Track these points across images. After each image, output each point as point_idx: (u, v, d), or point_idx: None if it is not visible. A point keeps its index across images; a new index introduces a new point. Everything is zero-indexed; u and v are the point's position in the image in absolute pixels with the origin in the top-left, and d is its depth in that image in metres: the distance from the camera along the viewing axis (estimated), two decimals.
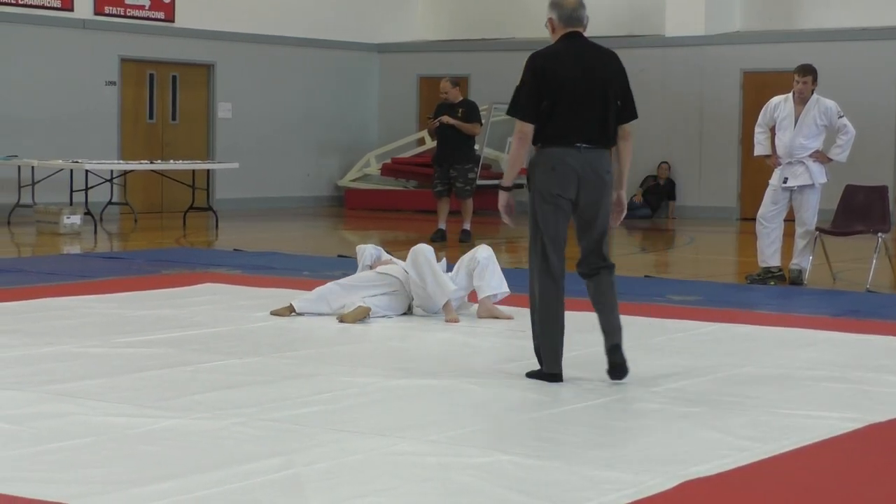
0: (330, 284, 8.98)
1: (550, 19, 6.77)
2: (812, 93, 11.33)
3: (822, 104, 11.35)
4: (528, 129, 6.62)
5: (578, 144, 6.62)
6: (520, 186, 7.32)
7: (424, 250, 8.75)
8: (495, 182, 15.19)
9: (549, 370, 6.70)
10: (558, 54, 6.71)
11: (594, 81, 6.66)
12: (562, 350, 6.71)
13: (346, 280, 9.00)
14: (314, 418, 5.76)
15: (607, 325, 6.74)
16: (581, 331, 7.48)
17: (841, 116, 11.36)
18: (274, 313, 8.82)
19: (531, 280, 6.75)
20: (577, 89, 6.62)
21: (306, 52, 21.86)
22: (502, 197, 6.78)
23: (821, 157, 11.37)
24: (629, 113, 6.77)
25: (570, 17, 6.74)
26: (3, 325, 8.22)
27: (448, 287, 8.69)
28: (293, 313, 8.80)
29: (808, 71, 11.30)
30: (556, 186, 6.61)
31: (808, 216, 11.38)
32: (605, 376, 6.76)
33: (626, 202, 6.85)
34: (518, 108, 6.68)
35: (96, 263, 12.52)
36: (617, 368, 6.71)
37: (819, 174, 11.33)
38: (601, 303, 6.74)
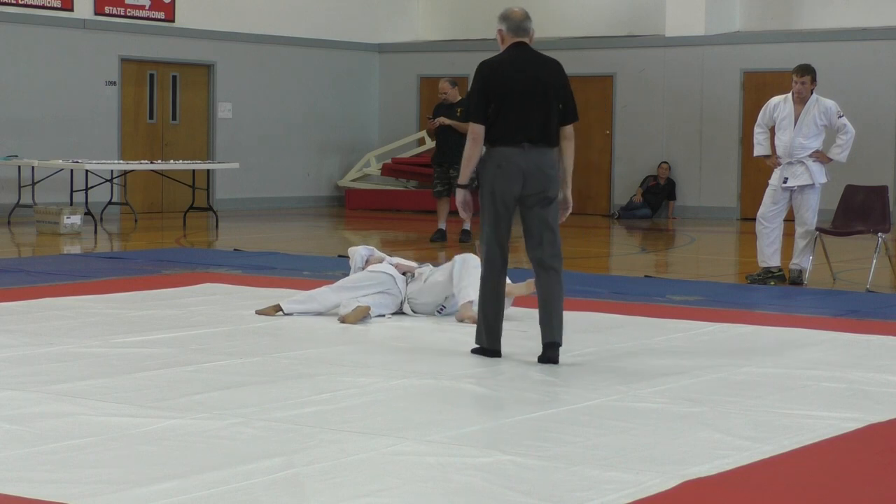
0: (320, 287, 8.99)
1: (500, 30, 7.42)
2: (811, 93, 11.33)
3: (822, 104, 11.34)
4: (479, 129, 7.21)
5: (523, 144, 7.19)
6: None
7: (475, 261, 8.64)
8: None
9: (489, 346, 7.31)
10: (504, 62, 7.34)
11: (537, 86, 7.26)
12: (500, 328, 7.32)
13: (337, 283, 9.02)
14: (314, 418, 5.76)
15: (546, 319, 7.17)
16: (580, 331, 7.48)
17: (841, 116, 11.35)
18: (259, 313, 8.82)
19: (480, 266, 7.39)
20: (520, 93, 7.23)
21: (307, 52, 21.86)
22: (459, 194, 7.41)
23: (821, 156, 11.36)
24: (571, 115, 7.35)
25: (517, 29, 7.37)
26: (3, 325, 8.21)
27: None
28: (279, 313, 8.81)
29: (806, 71, 11.30)
30: (502, 182, 7.18)
31: (809, 216, 11.37)
32: (605, 376, 6.84)
33: (571, 201, 7.35)
34: (470, 111, 7.28)
35: (96, 263, 12.51)
36: (547, 361, 7.19)
37: (819, 174, 11.32)
38: (546, 300, 7.17)
